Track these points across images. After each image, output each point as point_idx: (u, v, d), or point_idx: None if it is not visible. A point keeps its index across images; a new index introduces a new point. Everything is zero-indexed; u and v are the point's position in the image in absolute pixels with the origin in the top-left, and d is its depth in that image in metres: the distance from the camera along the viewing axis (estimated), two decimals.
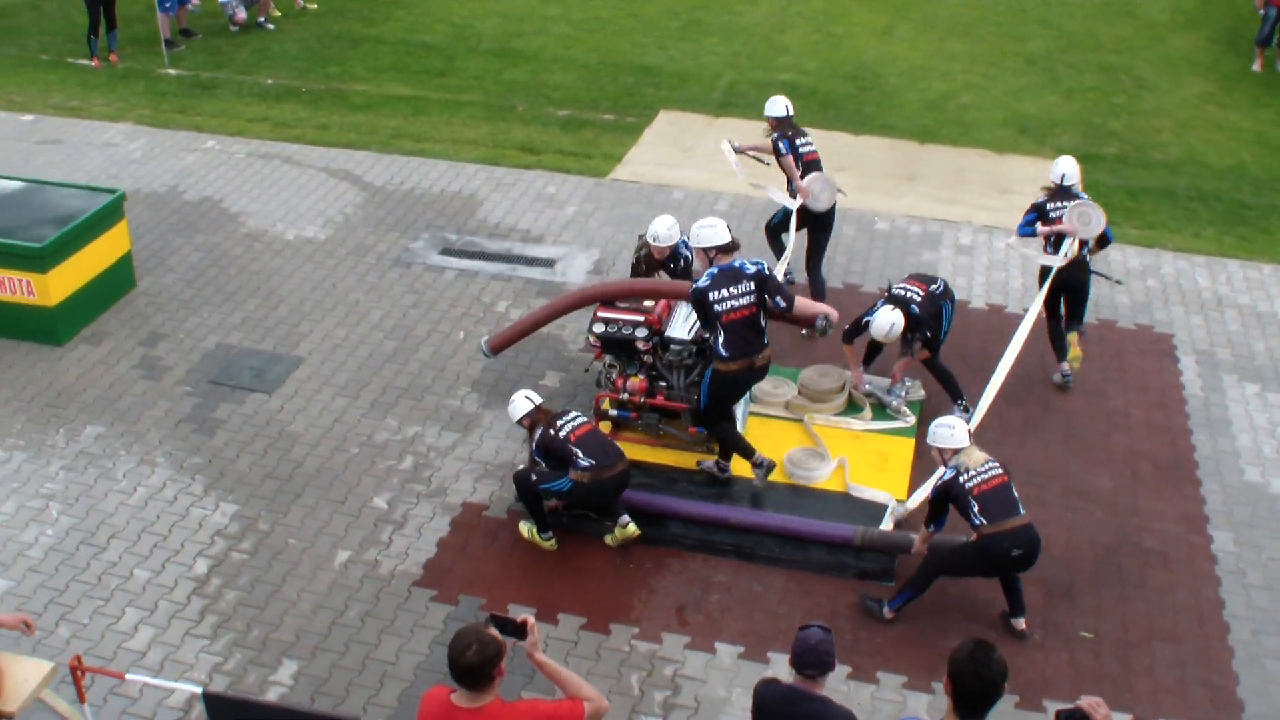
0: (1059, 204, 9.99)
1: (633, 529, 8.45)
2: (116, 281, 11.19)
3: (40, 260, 10.32)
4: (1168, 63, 16.83)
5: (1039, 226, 10.04)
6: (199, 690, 6.35)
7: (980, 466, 7.72)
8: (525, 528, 8.61)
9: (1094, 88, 16.04)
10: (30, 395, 10.06)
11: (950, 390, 9.72)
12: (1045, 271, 10.10)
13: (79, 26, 16.72)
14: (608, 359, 9.47)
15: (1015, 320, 10.48)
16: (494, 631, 5.09)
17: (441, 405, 9.99)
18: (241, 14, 17.31)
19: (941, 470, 7.88)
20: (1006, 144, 14.52)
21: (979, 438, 9.24)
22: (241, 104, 15.22)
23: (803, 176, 10.67)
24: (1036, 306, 9.99)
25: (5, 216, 10.73)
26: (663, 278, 9.78)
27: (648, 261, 9.86)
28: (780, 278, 9.83)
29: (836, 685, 7.44)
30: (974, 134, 14.73)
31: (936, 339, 9.57)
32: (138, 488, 9.10)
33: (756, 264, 8.60)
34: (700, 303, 8.56)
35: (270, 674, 7.63)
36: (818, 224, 10.78)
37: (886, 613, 7.97)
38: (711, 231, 8.90)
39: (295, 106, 15.15)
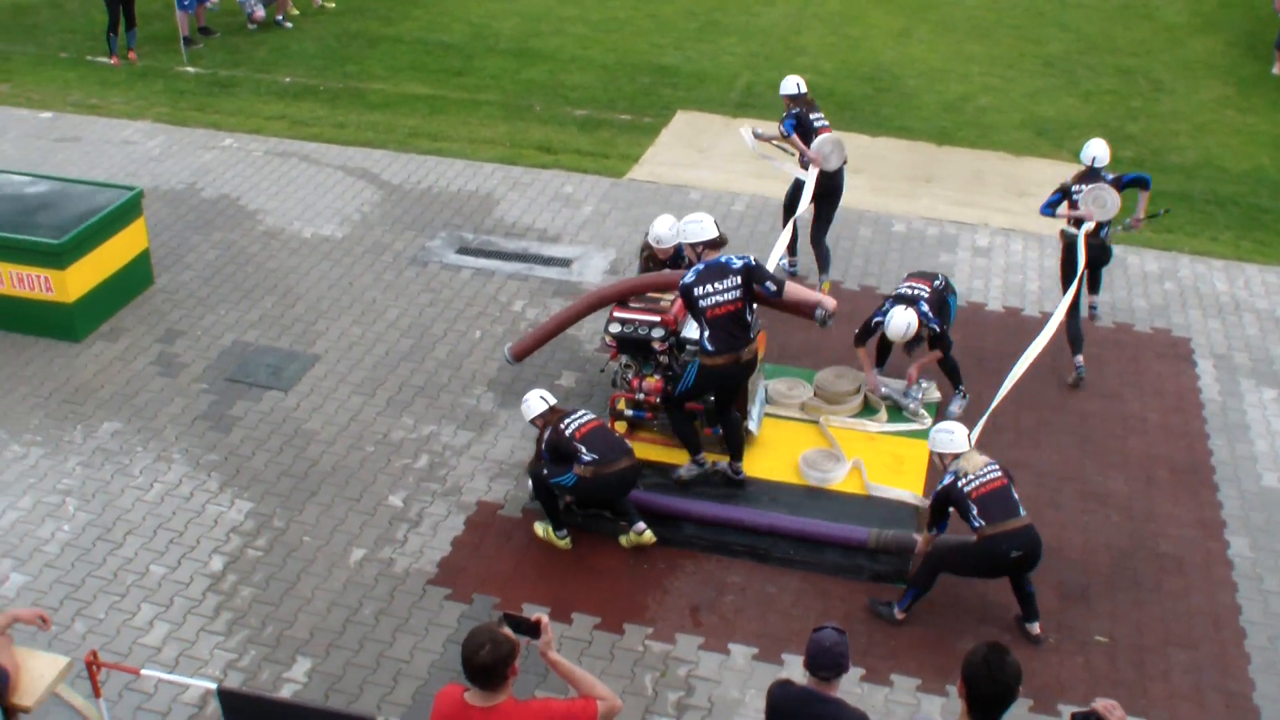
0: (1084, 186, 10.02)
1: (649, 536, 8.46)
2: (134, 278, 11.23)
3: (58, 257, 10.36)
4: (1185, 66, 16.77)
5: (1062, 208, 10.17)
6: (214, 686, 6.39)
7: (979, 470, 7.74)
8: (540, 527, 8.62)
9: (1112, 90, 16.00)
10: (48, 391, 10.10)
11: (952, 378, 9.77)
12: (1068, 270, 10.09)
13: (98, 24, 16.79)
14: (623, 359, 9.47)
15: (1031, 323, 10.45)
16: (508, 630, 5.10)
17: (457, 404, 10.01)
18: (260, 12, 17.38)
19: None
20: (1024, 146, 14.49)
21: (993, 439, 9.25)
22: (259, 102, 15.27)
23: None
24: (1067, 301, 9.92)
25: (24, 213, 10.78)
26: None
27: (652, 262, 9.90)
28: (783, 259, 9.80)
29: (850, 687, 7.44)
30: (992, 136, 14.71)
31: (946, 334, 9.59)
32: (154, 484, 9.13)
33: (743, 258, 8.65)
34: (686, 298, 8.63)
35: (285, 671, 7.65)
36: (825, 193, 10.91)
37: (897, 614, 7.97)
38: (698, 227, 8.95)
39: (313, 105, 15.19)
